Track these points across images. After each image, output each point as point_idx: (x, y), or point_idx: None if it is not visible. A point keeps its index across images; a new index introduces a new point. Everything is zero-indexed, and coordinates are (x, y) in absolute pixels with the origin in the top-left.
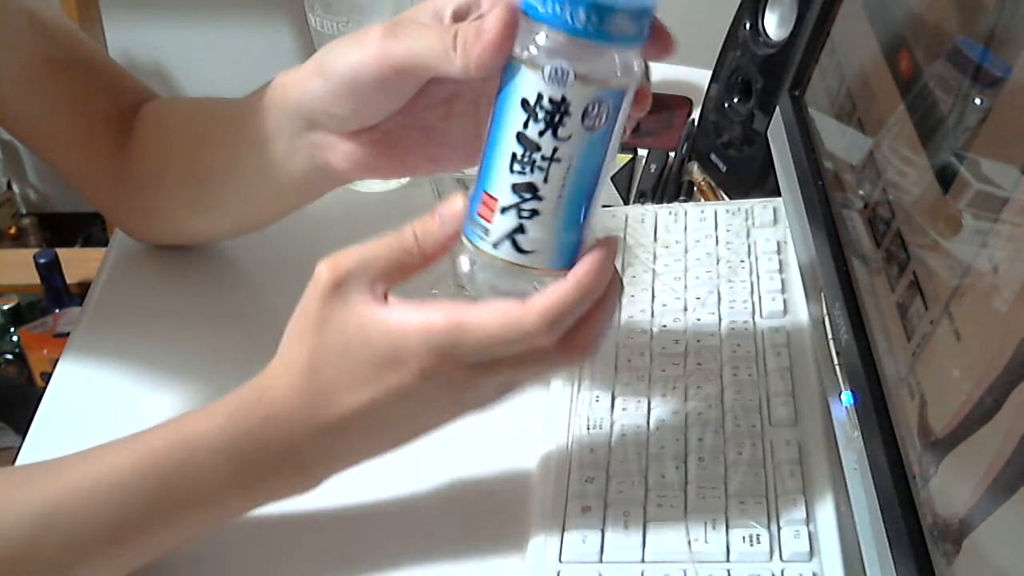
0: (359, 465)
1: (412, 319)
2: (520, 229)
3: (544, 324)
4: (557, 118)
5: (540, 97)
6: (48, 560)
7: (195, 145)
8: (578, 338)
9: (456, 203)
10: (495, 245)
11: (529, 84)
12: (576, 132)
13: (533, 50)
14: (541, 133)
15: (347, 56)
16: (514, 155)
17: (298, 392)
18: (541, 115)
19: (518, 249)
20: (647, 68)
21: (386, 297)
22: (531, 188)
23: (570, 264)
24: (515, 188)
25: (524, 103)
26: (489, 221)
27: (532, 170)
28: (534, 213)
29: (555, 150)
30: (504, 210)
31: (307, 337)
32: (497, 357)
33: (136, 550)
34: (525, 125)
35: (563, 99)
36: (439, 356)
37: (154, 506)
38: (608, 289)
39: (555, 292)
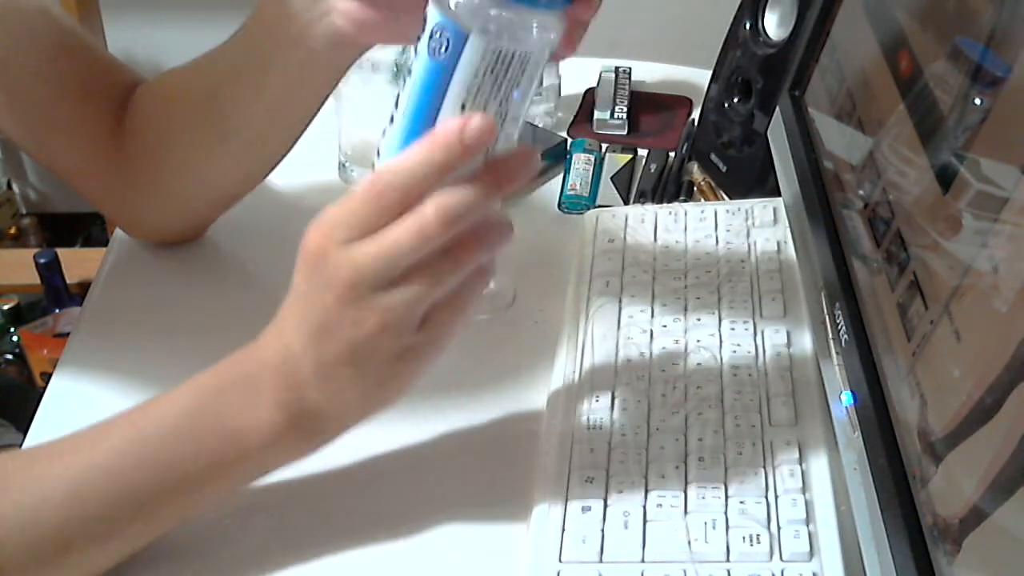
0: (351, 426)
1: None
2: (383, 133)
3: (389, 177)
4: (420, 36)
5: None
6: (49, 538)
7: (202, 83)
8: (470, 236)
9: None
10: (376, 151)
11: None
12: (422, 52)
13: None
14: (415, 48)
15: None
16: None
17: (270, 340)
18: (419, 32)
19: (377, 152)
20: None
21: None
22: (398, 96)
23: None
24: (396, 99)
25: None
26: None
27: (403, 80)
28: (391, 121)
29: (411, 66)
30: (388, 121)
31: (290, 296)
32: (362, 225)
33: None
34: (412, 51)
35: (425, 18)
36: (311, 238)
37: (145, 480)
38: (484, 179)
39: (402, 160)
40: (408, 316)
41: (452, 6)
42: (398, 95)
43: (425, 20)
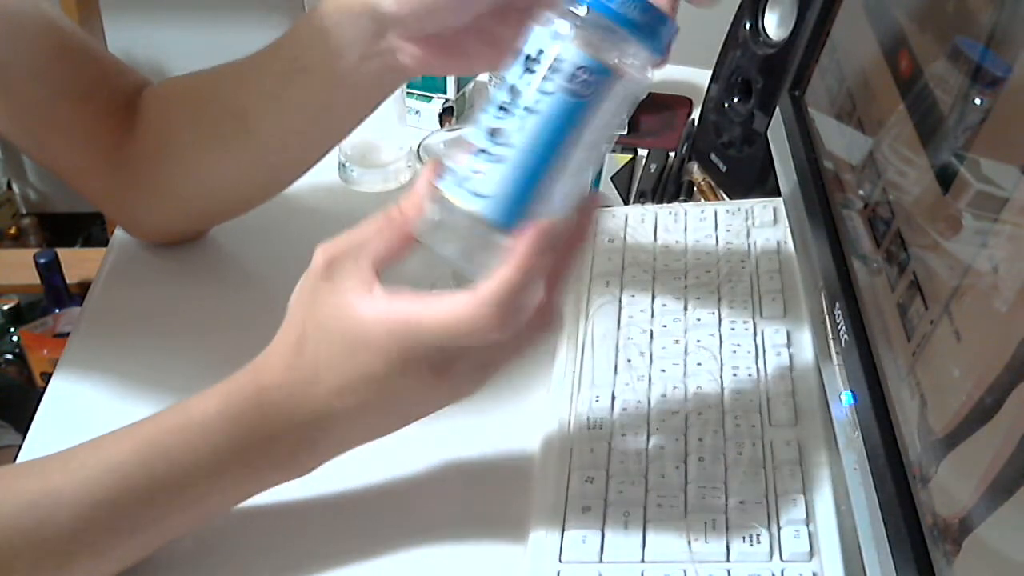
0: (351, 449)
1: (377, 309)
2: (479, 172)
3: (495, 313)
4: (548, 72)
5: (540, 52)
6: (52, 547)
7: (221, 94)
8: (538, 314)
9: (433, 166)
10: (456, 185)
11: (534, 41)
12: (558, 90)
13: (549, 14)
14: (529, 83)
15: None
16: (501, 104)
17: (285, 372)
18: (535, 67)
19: (473, 192)
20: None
21: (378, 277)
22: (503, 133)
23: (511, 225)
24: (491, 132)
25: (526, 59)
26: (459, 163)
27: (510, 116)
28: (498, 159)
29: (536, 101)
30: (475, 153)
31: (297, 319)
32: (458, 350)
33: (138, 537)
34: (519, 77)
35: (558, 56)
36: (400, 348)
37: (155, 491)
38: (561, 260)
39: (500, 278)
40: (458, 379)
41: (599, 47)
42: (495, 128)
43: (558, 58)
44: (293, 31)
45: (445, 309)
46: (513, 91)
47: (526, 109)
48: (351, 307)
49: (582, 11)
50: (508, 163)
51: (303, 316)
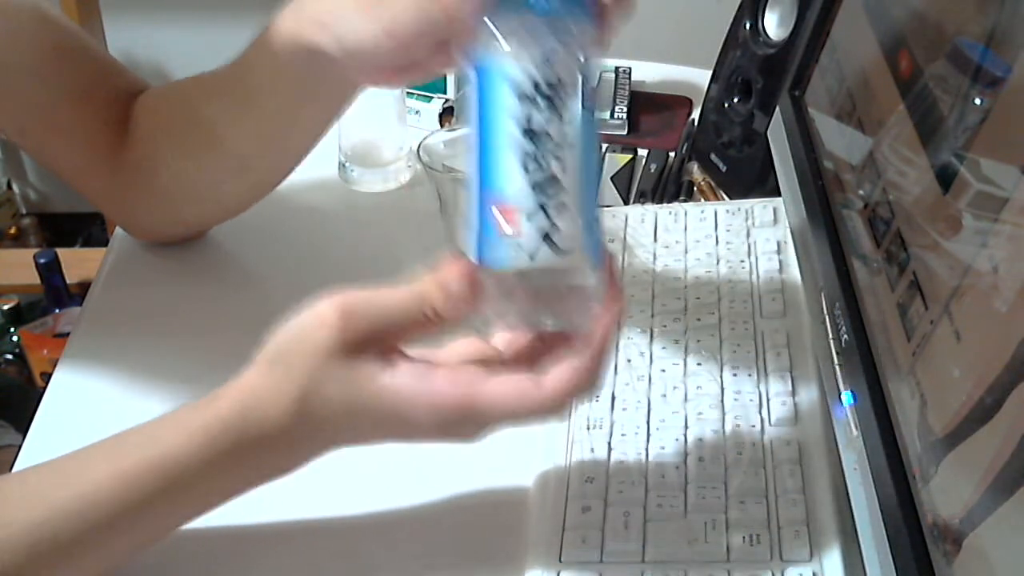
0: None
1: (421, 390)
2: (554, 227)
3: (557, 402)
4: (559, 100)
5: (537, 85)
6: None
7: (197, 99)
8: (583, 386)
9: (457, 264)
10: (532, 256)
11: (519, 77)
12: (579, 113)
13: (507, 45)
14: (549, 120)
15: (361, 29)
16: (526, 154)
17: (288, 430)
18: (544, 103)
19: (557, 250)
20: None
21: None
22: (553, 181)
23: (595, 250)
24: (537, 187)
25: (523, 97)
26: (519, 234)
27: (549, 162)
28: (562, 207)
29: (566, 135)
30: (531, 215)
31: (305, 377)
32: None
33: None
34: (529, 120)
35: (559, 79)
36: (447, 427)
37: (133, 524)
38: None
39: (572, 368)
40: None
41: (583, 56)
42: (550, 177)
43: (583, 82)
44: (249, 54)
45: (507, 390)
46: (533, 136)
47: (559, 146)
48: (386, 388)
49: (527, 20)
50: (572, 206)
51: (312, 379)
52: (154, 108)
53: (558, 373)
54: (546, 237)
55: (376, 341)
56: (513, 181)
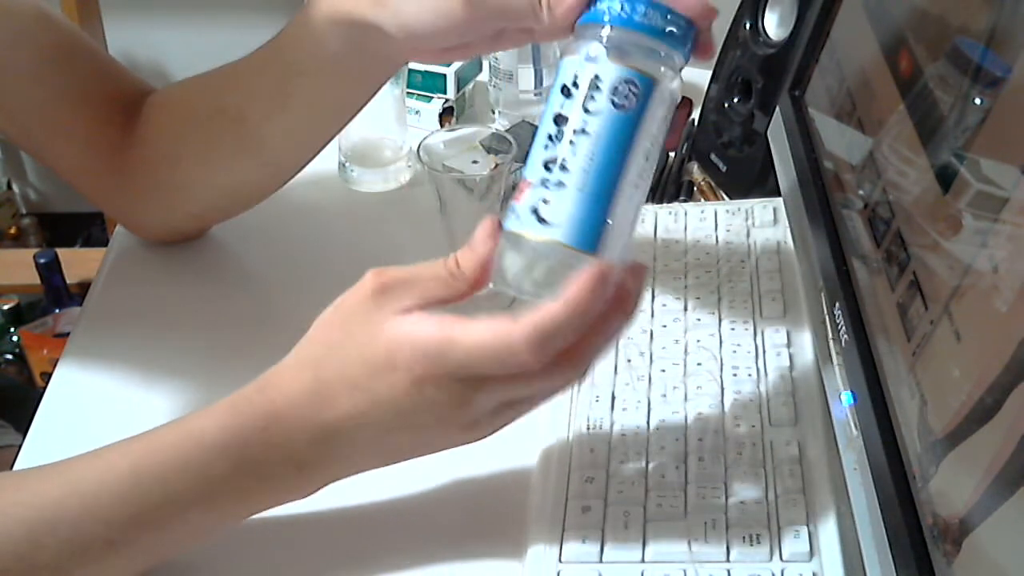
0: (358, 474)
1: (407, 327)
2: (544, 201)
3: (532, 343)
4: (588, 93)
5: (576, 78)
6: (47, 564)
7: (221, 97)
8: (569, 359)
9: (488, 223)
10: (520, 221)
11: (568, 70)
12: (604, 107)
13: (575, 43)
14: (572, 107)
15: (423, 9)
16: (548, 135)
17: (300, 390)
18: (575, 92)
19: (540, 220)
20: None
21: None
22: (557, 160)
23: (593, 245)
24: (545, 163)
25: (563, 89)
26: (519, 201)
27: (560, 142)
28: (559, 184)
29: (586, 123)
30: (533, 186)
31: (326, 336)
32: (485, 373)
33: (134, 555)
34: (561, 106)
35: (596, 76)
36: (428, 365)
37: (152, 507)
38: (609, 313)
39: (545, 311)
40: (484, 404)
41: (634, 58)
42: (554, 158)
43: (598, 77)
44: (288, 32)
45: (481, 330)
46: (558, 120)
47: (576, 132)
48: (384, 329)
49: (607, 31)
50: (571, 187)
51: (333, 334)
52: (171, 104)
53: (533, 312)
54: (534, 210)
55: (402, 289)
56: (534, 156)
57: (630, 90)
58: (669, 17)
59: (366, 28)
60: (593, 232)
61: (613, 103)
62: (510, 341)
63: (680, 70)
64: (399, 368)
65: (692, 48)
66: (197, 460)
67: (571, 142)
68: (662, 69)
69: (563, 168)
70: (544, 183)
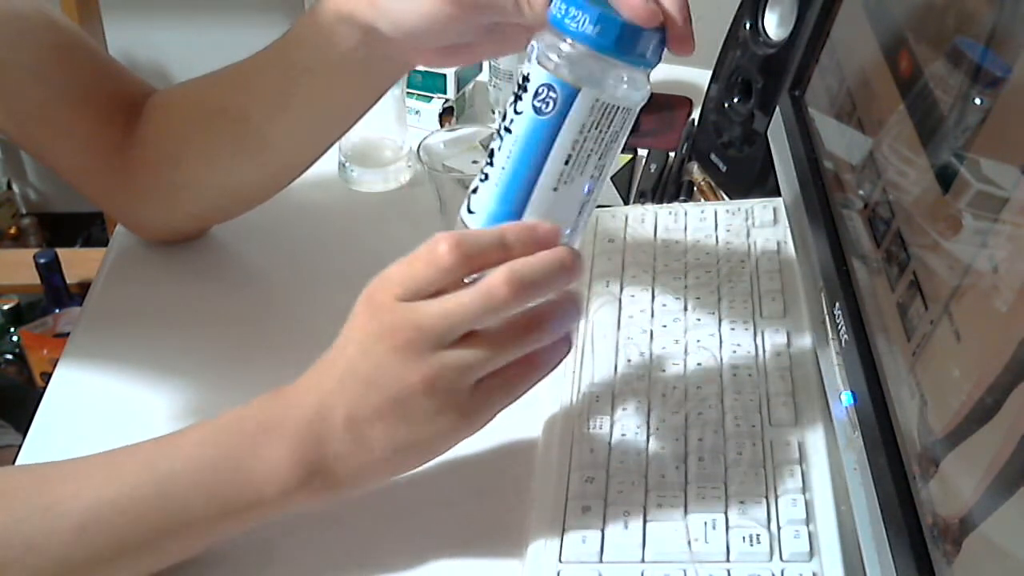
0: (356, 483)
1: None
2: (475, 191)
3: (448, 237)
4: (519, 92)
5: (522, 75)
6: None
7: (224, 97)
8: (509, 289)
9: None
10: (467, 208)
11: (525, 65)
12: (526, 110)
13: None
14: (509, 104)
15: (413, 9)
16: (498, 127)
17: (301, 386)
18: (515, 89)
19: (469, 209)
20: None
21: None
22: (492, 153)
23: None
24: (489, 154)
25: (517, 83)
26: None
27: (498, 137)
28: (486, 177)
29: (511, 121)
30: (479, 175)
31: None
32: (421, 285)
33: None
34: (508, 100)
35: (527, 75)
36: (374, 291)
37: (153, 512)
38: (541, 258)
39: (474, 230)
40: (459, 379)
41: (556, 64)
42: (491, 150)
43: (526, 78)
44: (294, 32)
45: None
46: (504, 115)
47: (506, 129)
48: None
49: (545, 31)
50: (491, 181)
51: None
52: (173, 104)
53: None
54: (468, 199)
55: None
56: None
57: (549, 96)
58: (623, 31)
59: (366, 29)
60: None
61: (534, 107)
62: (432, 245)
63: (635, 81)
64: (383, 339)
65: (659, 55)
66: (198, 469)
67: (500, 138)
68: (591, 79)
69: (490, 162)
70: (480, 173)
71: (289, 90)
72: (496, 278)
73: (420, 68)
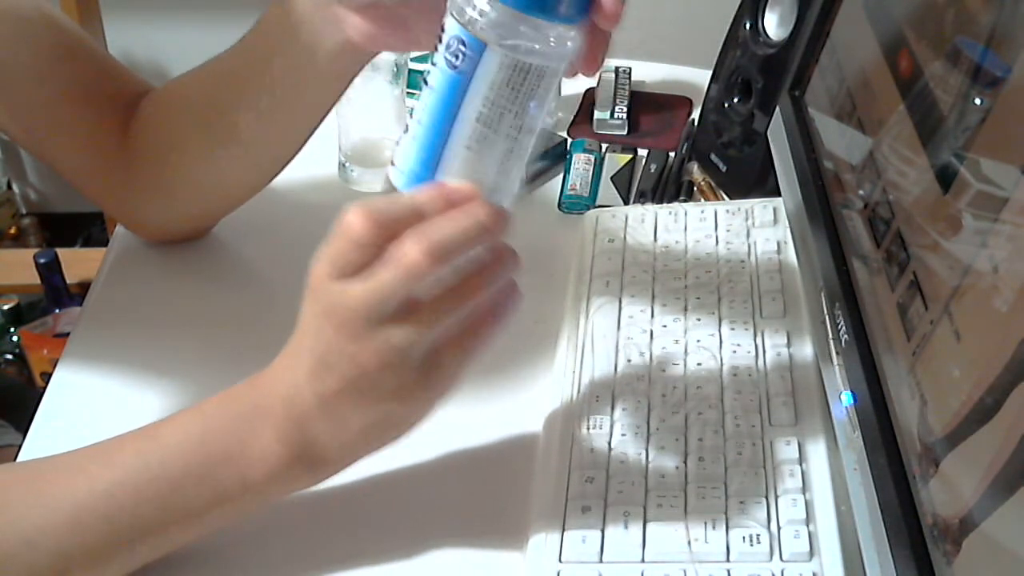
0: (344, 456)
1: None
2: (397, 144)
3: (363, 213)
4: (437, 43)
5: (440, 24)
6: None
7: (203, 89)
8: (459, 280)
9: None
10: (391, 160)
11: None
12: (440, 62)
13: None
14: (429, 62)
15: None
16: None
17: (277, 367)
18: (435, 41)
19: (393, 163)
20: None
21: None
22: (415, 109)
23: (422, 180)
24: (412, 109)
25: (439, 37)
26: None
27: (421, 91)
28: (407, 130)
29: (429, 73)
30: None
31: None
32: (344, 262)
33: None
34: (432, 54)
35: (442, 27)
36: (312, 272)
37: (145, 501)
38: (455, 213)
39: (386, 197)
40: (406, 353)
41: (468, 17)
42: (415, 105)
43: (443, 30)
44: (260, 19)
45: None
46: (423, 73)
47: (424, 82)
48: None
49: None
50: (410, 135)
51: None
52: (165, 100)
53: None
54: (395, 151)
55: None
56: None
57: (459, 49)
58: None
59: (320, 2)
60: (421, 183)
61: (446, 59)
62: (345, 217)
63: (554, 39)
64: (328, 321)
65: (582, 12)
66: (187, 455)
67: (420, 89)
68: (503, 34)
69: (414, 117)
70: (405, 126)
71: (257, 79)
72: (410, 247)
73: (418, 68)
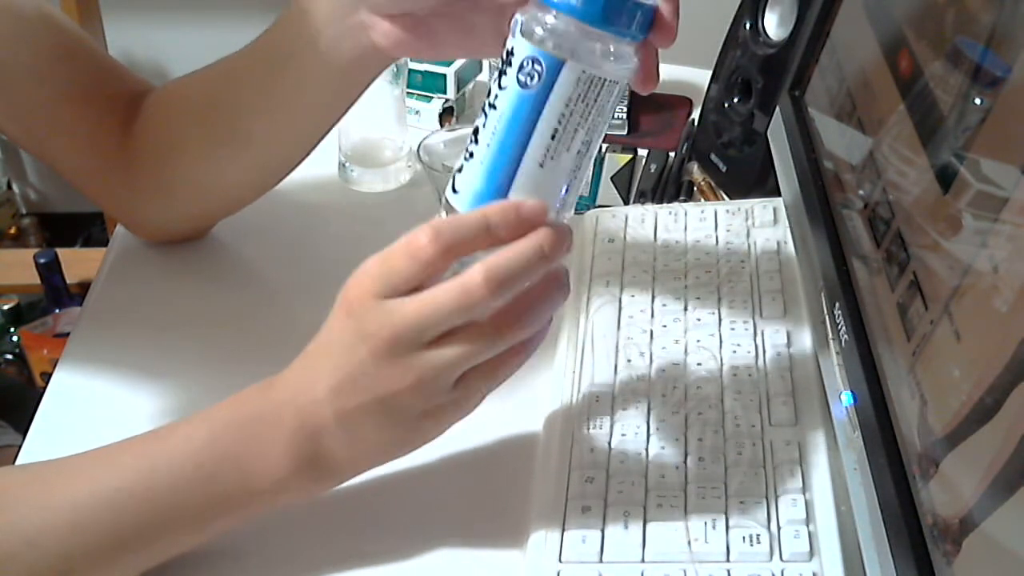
0: (353, 468)
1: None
2: (459, 170)
3: (431, 233)
4: (504, 67)
5: (506, 50)
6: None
7: (212, 90)
8: (511, 310)
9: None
10: (450, 188)
11: (510, 40)
12: (511, 84)
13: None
14: (493, 80)
15: None
16: (484, 104)
17: (290, 376)
18: (499, 64)
19: (454, 189)
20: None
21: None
22: (476, 131)
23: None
24: (473, 131)
25: (502, 58)
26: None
27: (483, 114)
28: (471, 156)
29: (496, 97)
30: (464, 153)
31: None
32: (398, 281)
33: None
34: (494, 76)
35: (511, 50)
36: (351, 287)
37: (150, 504)
38: (525, 243)
39: (454, 216)
40: (442, 378)
41: (540, 37)
42: (476, 128)
43: (512, 53)
44: (277, 20)
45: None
46: (489, 92)
47: (490, 106)
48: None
49: (532, 3)
50: (476, 159)
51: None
52: (168, 100)
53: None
54: (453, 179)
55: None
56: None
57: (534, 69)
58: (611, 2)
59: (344, 6)
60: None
61: (518, 80)
62: (414, 236)
63: (621, 54)
64: (365, 340)
65: (646, 30)
66: (193, 461)
67: (484, 115)
68: (577, 50)
69: (475, 139)
70: (465, 152)
71: (271, 79)
72: (474, 275)
73: (418, 68)
